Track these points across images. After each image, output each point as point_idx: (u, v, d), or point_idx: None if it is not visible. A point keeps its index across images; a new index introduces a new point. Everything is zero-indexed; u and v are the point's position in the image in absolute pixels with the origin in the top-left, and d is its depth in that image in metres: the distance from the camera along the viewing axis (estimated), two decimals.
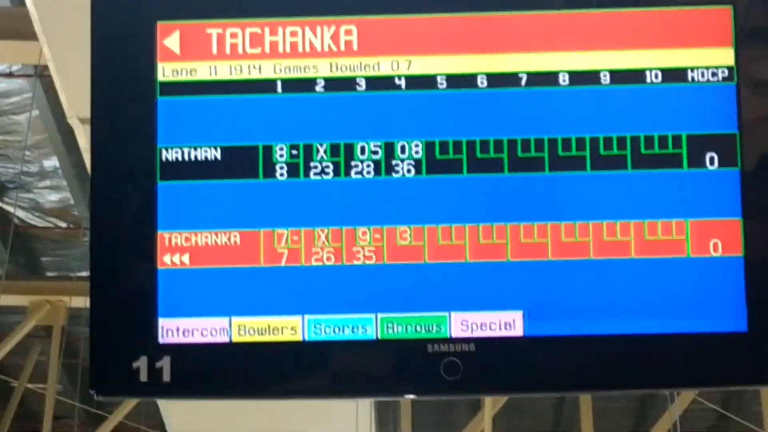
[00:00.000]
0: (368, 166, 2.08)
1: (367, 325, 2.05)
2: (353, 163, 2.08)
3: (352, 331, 2.05)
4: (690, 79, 2.09)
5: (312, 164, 2.08)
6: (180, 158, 2.09)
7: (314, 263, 2.07)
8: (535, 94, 2.09)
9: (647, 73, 2.09)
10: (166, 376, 2.05)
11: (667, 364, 2.05)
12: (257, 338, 2.05)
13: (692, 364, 2.05)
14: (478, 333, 2.04)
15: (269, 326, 2.06)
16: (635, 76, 2.09)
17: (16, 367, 8.88)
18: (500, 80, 2.09)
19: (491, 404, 7.21)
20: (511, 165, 2.07)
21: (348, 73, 2.11)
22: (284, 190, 2.08)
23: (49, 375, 8.31)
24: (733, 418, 8.35)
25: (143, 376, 2.05)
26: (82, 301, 7.63)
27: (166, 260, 2.07)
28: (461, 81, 2.09)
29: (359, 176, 2.08)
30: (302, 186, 2.08)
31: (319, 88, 2.11)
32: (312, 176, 2.08)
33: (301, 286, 2.06)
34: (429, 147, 2.08)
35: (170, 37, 2.13)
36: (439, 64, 2.10)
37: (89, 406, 9.04)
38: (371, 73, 2.10)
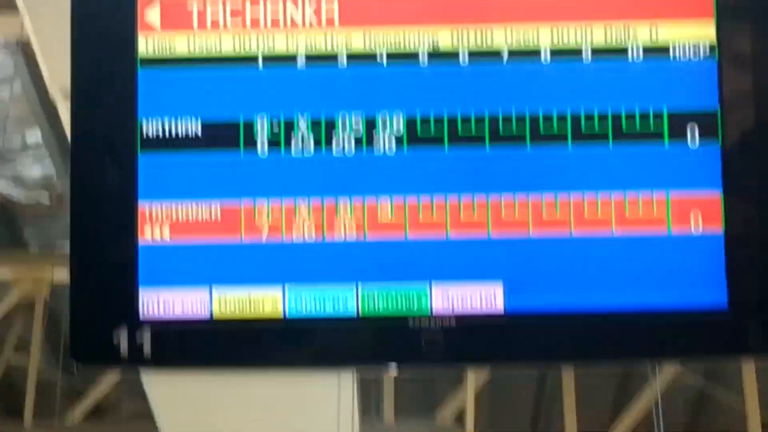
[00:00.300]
0: (349, 141, 2.08)
1: (348, 300, 2.05)
2: (334, 138, 2.08)
3: (333, 308, 2.05)
4: (672, 54, 2.09)
5: (293, 139, 2.08)
6: (161, 131, 2.09)
7: (295, 238, 2.06)
8: (516, 68, 2.08)
9: (629, 48, 2.09)
10: (147, 348, 2.05)
11: (648, 340, 2.05)
12: (238, 315, 2.05)
13: (673, 340, 2.06)
14: (459, 307, 2.05)
15: (250, 301, 2.06)
16: (617, 51, 2.08)
17: None
18: (482, 55, 2.09)
19: (473, 379, 7.24)
20: (492, 141, 2.07)
21: (329, 48, 2.10)
22: (265, 165, 2.08)
23: (32, 349, 8.30)
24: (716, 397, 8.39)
25: (123, 348, 2.05)
26: (65, 275, 7.61)
27: (147, 232, 2.07)
28: (443, 56, 2.09)
29: (340, 151, 2.08)
30: (283, 161, 2.08)
31: (300, 62, 2.10)
32: (293, 151, 2.08)
33: (282, 261, 2.06)
34: (410, 122, 2.07)
35: (151, 10, 2.12)
36: (420, 39, 2.09)
37: (71, 381, 9.03)
38: (352, 47, 2.10)
